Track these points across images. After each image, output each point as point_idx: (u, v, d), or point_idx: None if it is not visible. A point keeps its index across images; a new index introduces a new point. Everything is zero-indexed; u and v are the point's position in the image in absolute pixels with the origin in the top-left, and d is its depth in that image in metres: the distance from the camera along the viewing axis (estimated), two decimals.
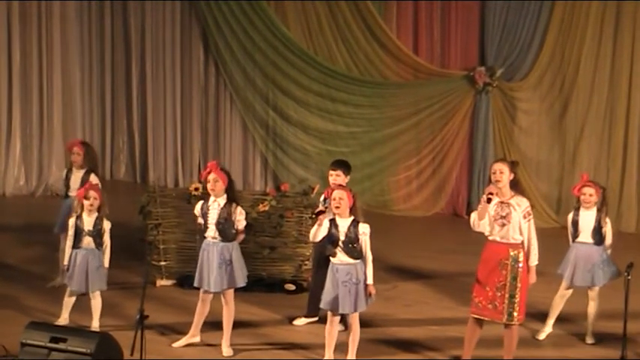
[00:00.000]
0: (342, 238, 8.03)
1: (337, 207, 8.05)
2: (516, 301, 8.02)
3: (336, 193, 8.08)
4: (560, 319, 9.33)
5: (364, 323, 8.52)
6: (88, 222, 8.89)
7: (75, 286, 8.93)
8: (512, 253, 8.01)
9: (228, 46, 15.91)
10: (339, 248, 8.05)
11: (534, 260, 8.11)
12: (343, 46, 15.45)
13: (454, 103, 15.02)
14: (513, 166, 8.18)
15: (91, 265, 8.87)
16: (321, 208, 8.19)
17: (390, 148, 15.43)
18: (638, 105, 14.06)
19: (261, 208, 10.50)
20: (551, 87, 14.49)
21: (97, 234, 8.88)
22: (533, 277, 8.14)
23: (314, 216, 8.08)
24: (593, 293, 9.15)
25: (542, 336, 9.26)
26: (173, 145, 16.64)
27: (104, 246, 8.95)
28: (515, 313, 8.04)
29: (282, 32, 15.50)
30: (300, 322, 9.52)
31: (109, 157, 17.26)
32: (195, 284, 8.72)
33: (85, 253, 8.87)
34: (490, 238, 8.10)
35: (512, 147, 14.66)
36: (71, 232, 8.92)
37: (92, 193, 8.91)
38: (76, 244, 8.89)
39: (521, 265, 8.00)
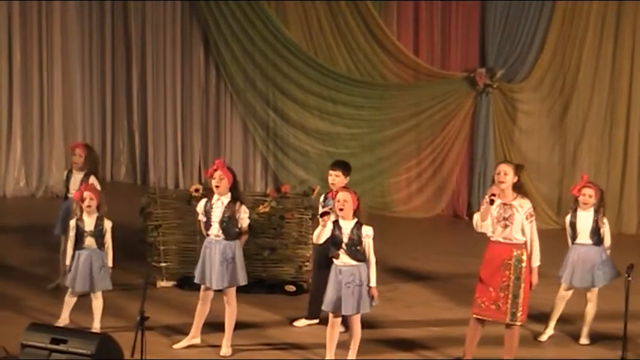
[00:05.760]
0: (345, 240, 8.02)
1: (341, 209, 8.05)
2: (520, 301, 8.04)
3: (341, 195, 8.09)
4: (561, 320, 9.32)
5: (365, 324, 8.52)
6: (89, 223, 8.89)
7: (79, 287, 8.92)
8: (515, 254, 8.03)
9: (229, 47, 15.91)
10: (342, 250, 8.06)
11: (536, 261, 8.13)
12: (344, 48, 15.45)
13: (455, 104, 15.02)
14: (518, 169, 8.19)
15: (95, 265, 8.87)
16: (325, 209, 8.19)
17: (391, 150, 15.43)
18: (638, 106, 14.06)
19: (261, 209, 10.50)
20: (552, 88, 14.49)
21: (98, 234, 8.88)
22: (535, 278, 8.15)
23: (319, 217, 8.08)
24: (591, 295, 9.14)
25: (544, 338, 9.26)
26: (173, 146, 16.64)
27: (106, 246, 8.95)
28: (518, 314, 8.06)
29: (282, 33, 15.50)
30: (301, 323, 9.53)
31: (110, 159, 17.26)
32: (197, 281, 8.73)
33: (87, 254, 8.87)
34: (493, 239, 8.12)
35: (512, 148, 14.66)
36: (72, 233, 8.91)
37: (88, 194, 8.91)
38: (78, 245, 8.89)
39: (524, 265, 8.02)
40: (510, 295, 8.03)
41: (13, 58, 15.72)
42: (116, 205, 9.62)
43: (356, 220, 8.07)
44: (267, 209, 10.51)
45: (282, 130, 15.87)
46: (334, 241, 8.06)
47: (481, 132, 14.84)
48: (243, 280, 8.66)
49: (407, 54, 15.15)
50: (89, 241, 8.88)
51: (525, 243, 8.05)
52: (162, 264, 10.68)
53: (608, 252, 9.15)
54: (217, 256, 8.52)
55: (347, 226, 8.05)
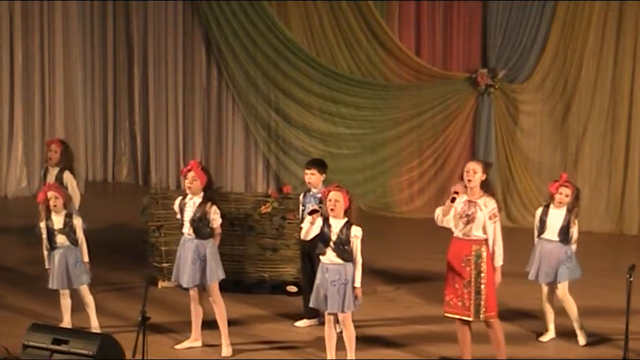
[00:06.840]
0: (333, 238, 8.04)
1: (332, 209, 8.06)
2: (482, 297, 8.04)
3: (332, 195, 8.09)
4: (561, 320, 9.30)
5: (366, 324, 8.53)
6: (58, 221, 8.90)
7: (57, 285, 8.93)
8: (474, 249, 8.06)
9: (230, 48, 15.91)
10: (329, 248, 8.06)
11: (499, 261, 8.16)
12: (345, 48, 15.43)
13: (456, 105, 15.00)
14: (487, 167, 8.24)
15: (70, 261, 8.88)
16: (314, 207, 8.21)
17: (392, 150, 15.42)
18: None
19: (263, 209, 10.50)
20: (554, 89, 14.47)
21: (69, 231, 8.88)
22: (498, 277, 8.18)
23: (307, 214, 8.10)
24: (562, 294, 9.06)
25: (545, 339, 9.25)
26: (175, 146, 16.64)
27: (79, 241, 8.95)
28: (482, 310, 8.04)
29: (284, 34, 15.49)
30: (302, 323, 9.53)
31: (111, 159, 17.27)
32: (172, 279, 8.89)
33: (62, 252, 8.89)
34: (454, 234, 8.17)
35: (514, 149, 14.64)
36: (44, 234, 8.95)
37: (52, 194, 8.91)
38: (52, 245, 8.91)
39: (485, 260, 8.03)
40: (473, 292, 8.04)
41: (14, 58, 15.71)
42: (118, 206, 9.62)
43: (346, 219, 8.08)
44: (268, 210, 10.51)
45: (284, 130, 15.86)
46: (323, 238, 8.07)
47: (483, 133, 14.82)
48: (215, 277, 8.65)
49: (408, 54, 15.14)
50: (61, 239, 8.89)
51: (486, 240, 8.07)
52: (164, 264, 10.67)
53: (574, 247, 9.13)
54: (190, 255, 8.61)
55: (337, 224, 8.06)
